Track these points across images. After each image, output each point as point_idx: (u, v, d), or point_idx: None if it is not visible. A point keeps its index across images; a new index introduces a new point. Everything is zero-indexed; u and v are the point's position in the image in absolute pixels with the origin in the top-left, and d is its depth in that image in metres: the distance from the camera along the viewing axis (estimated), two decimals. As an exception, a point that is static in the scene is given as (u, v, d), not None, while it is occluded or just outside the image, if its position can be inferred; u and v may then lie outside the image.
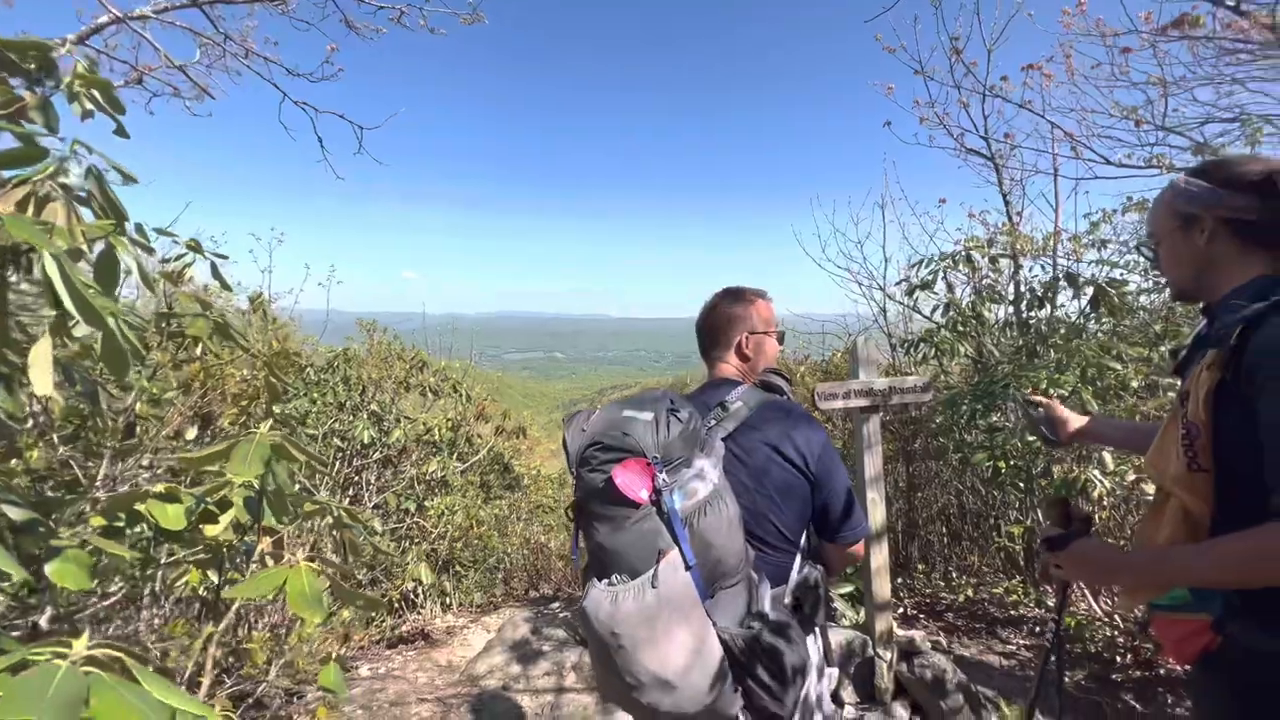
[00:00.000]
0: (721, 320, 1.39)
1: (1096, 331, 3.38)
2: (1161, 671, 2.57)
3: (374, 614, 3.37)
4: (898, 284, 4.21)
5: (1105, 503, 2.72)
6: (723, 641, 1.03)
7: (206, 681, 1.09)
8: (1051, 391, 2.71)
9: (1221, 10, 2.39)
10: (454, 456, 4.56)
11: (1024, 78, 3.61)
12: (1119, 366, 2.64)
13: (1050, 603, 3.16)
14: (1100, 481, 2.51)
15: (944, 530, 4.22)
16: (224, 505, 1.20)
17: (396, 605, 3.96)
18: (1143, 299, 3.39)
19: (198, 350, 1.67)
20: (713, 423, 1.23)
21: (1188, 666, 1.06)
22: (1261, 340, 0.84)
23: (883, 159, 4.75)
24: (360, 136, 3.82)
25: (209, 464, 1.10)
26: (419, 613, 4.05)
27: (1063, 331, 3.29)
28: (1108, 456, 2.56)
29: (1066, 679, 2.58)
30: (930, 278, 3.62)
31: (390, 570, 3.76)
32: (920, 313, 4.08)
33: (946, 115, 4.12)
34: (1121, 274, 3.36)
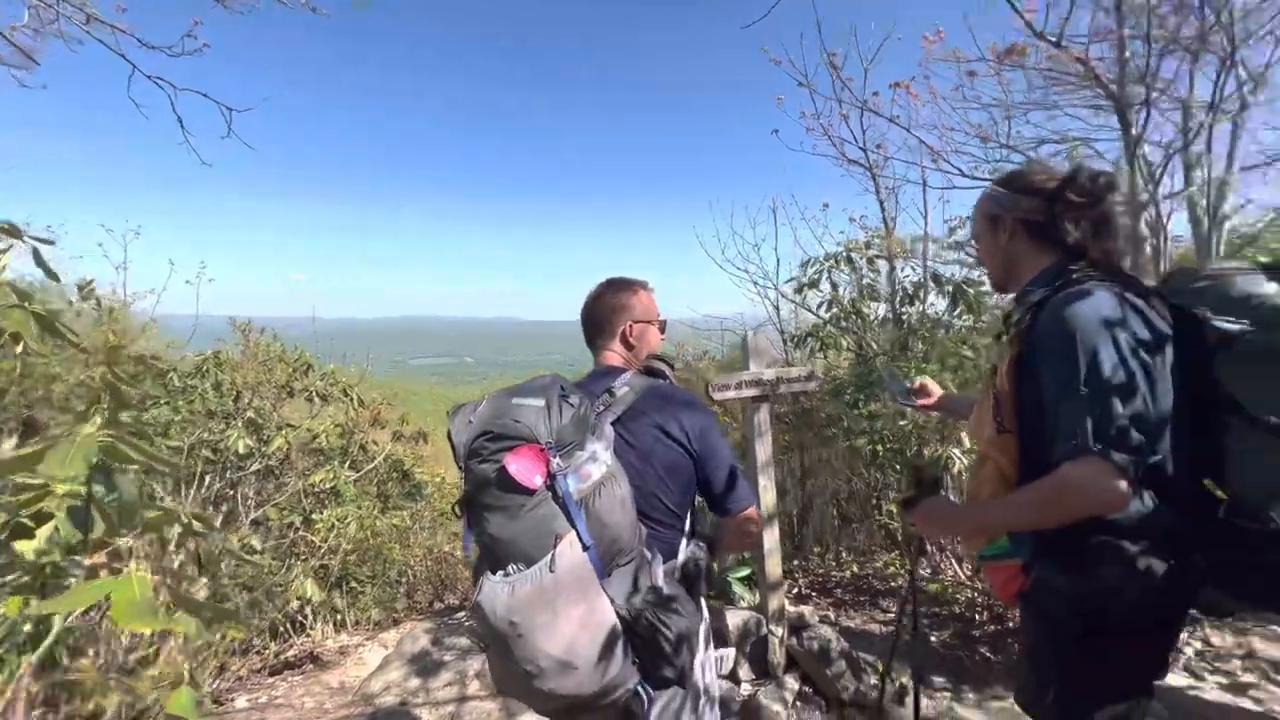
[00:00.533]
0: (606, 310, 1.42)
1: (960, 326, 3.78)
2: (1011, 625, 2.90)
3: (247, 636, 3.08)
4: (787, 282, 4.47)
5: (964, 476, 3.04)
6: (619, 615, 1.05)
7: (20, 720, 0.96)
8: (918, 380, 3.02)
9: (1044, 43, 2.77)
10: (346, 465, 4.28)
11: (893, 95, 3.96)
12: (971, 355, 2.96)
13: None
14: (959, 458, 2.81)
15: (835, 513, 4.53)
16: (42, 519, 1.05)
17: (282, 629, 3.65)
18: (995, 296, 3.84)
19: (17, 349, 1.46)
20: (601, 408, 1.25)
21: (1014, 609, 1.22)
22: (1043, 320, 1.00)
23: (774, 165, 5.04)
24: (229, 119, 3.49)
25: (22, 470, 0.96)
26: (308, 634, 3.76)
27: (928, 325, 3.64)
28: (965, 437, 2.87)
29: (934, 639, 2.86)
30: (816, 277, 3.88)
31: (272, 591, 3.46)
32: (810, 310, 4.35)
33: (829, 126, 4.43)
34: (978, 274, 3.79)
